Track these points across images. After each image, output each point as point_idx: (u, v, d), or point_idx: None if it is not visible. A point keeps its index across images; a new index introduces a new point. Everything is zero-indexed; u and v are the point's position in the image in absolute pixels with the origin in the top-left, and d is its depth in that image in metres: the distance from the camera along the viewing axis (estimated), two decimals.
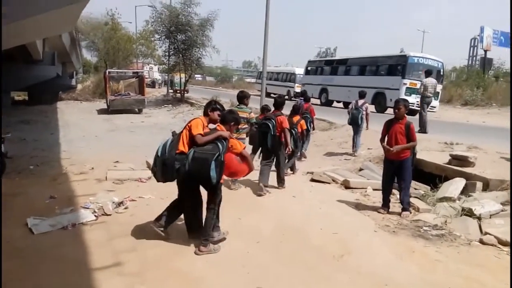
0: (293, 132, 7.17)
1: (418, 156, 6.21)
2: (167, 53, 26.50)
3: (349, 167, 8.59)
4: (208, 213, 3.84)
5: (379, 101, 18.36)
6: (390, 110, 17.21)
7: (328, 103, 22.12)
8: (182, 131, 3.85)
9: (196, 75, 63.98)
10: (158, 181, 3.90)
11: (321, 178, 7.03)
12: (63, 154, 10.38)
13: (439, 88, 18.56)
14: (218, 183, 3.67)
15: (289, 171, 7.74)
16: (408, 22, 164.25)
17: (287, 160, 7.21)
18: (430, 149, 8.57)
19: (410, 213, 5.26)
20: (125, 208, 4.95)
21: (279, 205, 5.51)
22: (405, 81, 17.42)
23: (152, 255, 3.72)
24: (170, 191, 5.89)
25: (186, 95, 29.29)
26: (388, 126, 5.35)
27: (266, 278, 3.42)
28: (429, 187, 6.90)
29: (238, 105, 6.75)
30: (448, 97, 24.81)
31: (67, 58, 28.52)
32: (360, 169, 8.14)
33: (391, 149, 5.15)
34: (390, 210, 5.43)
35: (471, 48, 33.02)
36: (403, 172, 5.27)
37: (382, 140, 5.42)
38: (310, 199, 5.90)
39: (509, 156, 7.73)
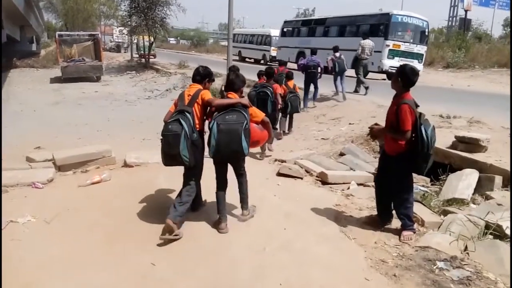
0: (297, 94, 8.21)
1: None
2: (128, 13, 23.69)
3: (327, 150, 6.96)
4: (243, 177, 3.82)
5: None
6: (371, 75, 15.53)
7: None
8: (193, 107, 3.52)
9: (169, 39, 60.49)
10: (188, 166, 3.49)
11: (291, 172, 5.33)
12: None
13: (423, 50, 17.09)
14: None
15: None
16: None
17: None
18: None
19: (414, 233, 3.61)
20: None
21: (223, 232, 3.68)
22: (388, 42, 15.83)
23: None
24: (66, 206, 3.99)
25: (152, 60, 26.93)
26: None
27: None
28: (428, 179, 5.39)
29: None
30: (429, 59, 23.41)
31: (24, 21, 25.58)
32: (341, 154, 6.51)
33: (375, 126, 4.08)
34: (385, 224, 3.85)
35: (451, 8, 31.27)
36: (394, 173, 3.59)
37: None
38: (273, 210, 4.19)
39: None
